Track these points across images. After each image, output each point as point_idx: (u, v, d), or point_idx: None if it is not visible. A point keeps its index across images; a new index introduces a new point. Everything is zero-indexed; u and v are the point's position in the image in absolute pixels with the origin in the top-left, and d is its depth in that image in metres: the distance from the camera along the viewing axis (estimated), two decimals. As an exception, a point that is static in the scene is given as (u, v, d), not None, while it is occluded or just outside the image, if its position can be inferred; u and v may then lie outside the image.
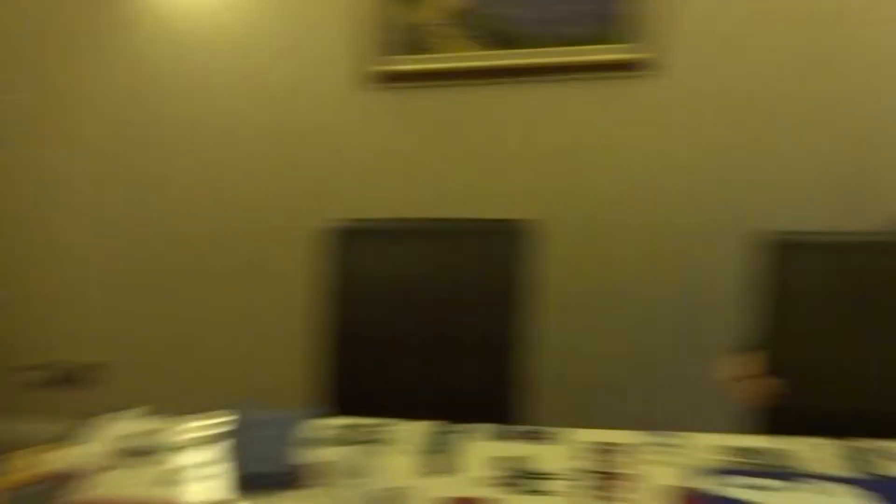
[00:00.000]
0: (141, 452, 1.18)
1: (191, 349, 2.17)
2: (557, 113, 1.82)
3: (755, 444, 1.18)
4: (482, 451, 1.18)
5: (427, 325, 1.47)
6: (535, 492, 1.06)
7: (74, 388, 2.21)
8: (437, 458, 1.17)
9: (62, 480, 1.10)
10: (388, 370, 1.49)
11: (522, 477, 1.11)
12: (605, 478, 1.10)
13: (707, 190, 1.80)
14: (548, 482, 1.09)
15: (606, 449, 1.18)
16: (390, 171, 1.95)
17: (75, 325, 2.21)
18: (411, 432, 1.25)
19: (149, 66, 1.98)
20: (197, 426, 1.26)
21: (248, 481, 1.07)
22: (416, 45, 1.82)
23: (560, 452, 1.18)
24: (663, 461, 1.15)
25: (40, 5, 1.98)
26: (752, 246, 1.35)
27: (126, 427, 1.26)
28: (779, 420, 1.29)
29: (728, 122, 1.75)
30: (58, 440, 1.20)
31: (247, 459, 1.08)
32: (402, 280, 1.48)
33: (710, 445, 1.17)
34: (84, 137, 2.07)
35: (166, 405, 1.32)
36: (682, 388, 1.96)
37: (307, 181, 2.00)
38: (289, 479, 1.08)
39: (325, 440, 1.21)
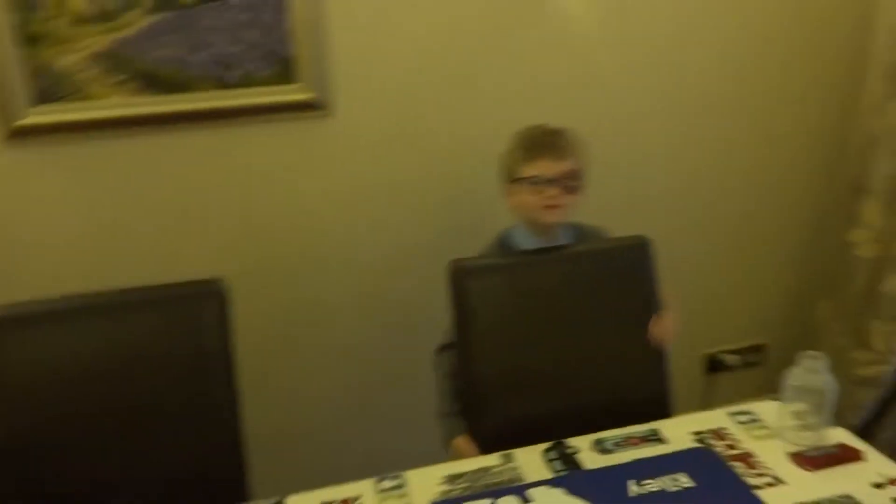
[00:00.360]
0: None
1: None
2: (228, 159, 1.71)
3: (474, 465, 1.21)
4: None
5: (116, 415, 1.27)
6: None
7: None
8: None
9: None
10: (74, 479, 1.25)
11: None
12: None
13: (395, 221, 1.85)
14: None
15: (334, 509, 1.13)
16: (45, 241, 1.66)
17: None
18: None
19: None
20: None
21: None
22: (62, 93, 1.58)
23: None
24: (391, 507, 1.12)
25: None
26: (446, 274, 1.40)
27: None
28: (494, 435, 1.35)
29: (395, 159, 1.81)
30: None
31: None
32: (74, 369, 1.25)
33: (432, 477, 1.18)
34: None
35: None
36: (403, 422, 1.97)
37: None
38: None
39: None
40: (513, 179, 1.51)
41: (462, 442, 1.46)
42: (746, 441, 1.23)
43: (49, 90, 1.59)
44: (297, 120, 1.72)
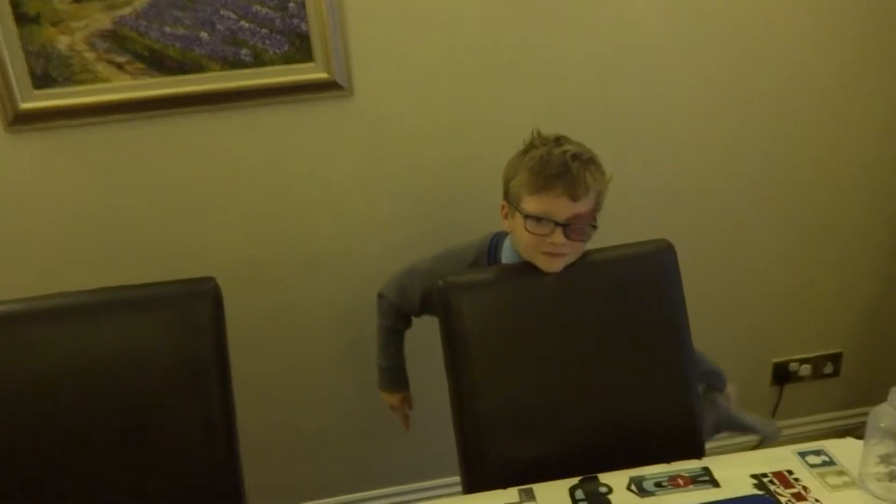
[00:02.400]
0: None
1: None
2: (240, 143, 1.58)
3: (490, 501, 1.04)
4: None
5: (102, 421, 1.15)
6: None
7: None
8: None
9: None
10: (57, 488, 1.14)
11: None
12: None
13: (416, 208, 1.69)
14: None
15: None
16: (47, 232, 1.57)
17: None
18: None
19: None
20: None
21: None
22: (65, 76, 1.48)
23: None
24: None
25: None
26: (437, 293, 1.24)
27: None
28: (496, 482, 1.12)
29: (418, 143, 1.65)
30: None
31: None
32: (60, 372, 1.14)
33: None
34: None
35: None
36: (403, 432, 1.84)
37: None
38: None
39: None
40: (512, 203, 1.23)
41: (392, 399, 1.54)
42: (818, 490, 1.01)
43: (51, 73, 1.49)
44: (314, 101, 1.58)
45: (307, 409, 1.82)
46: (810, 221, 1.91)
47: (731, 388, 1.40)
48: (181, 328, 1.17)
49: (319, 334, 1.75)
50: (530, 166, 1.18)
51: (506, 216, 1.27)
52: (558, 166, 1.16)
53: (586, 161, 1.18)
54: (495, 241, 1.35)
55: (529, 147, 1.23)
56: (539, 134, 1.26)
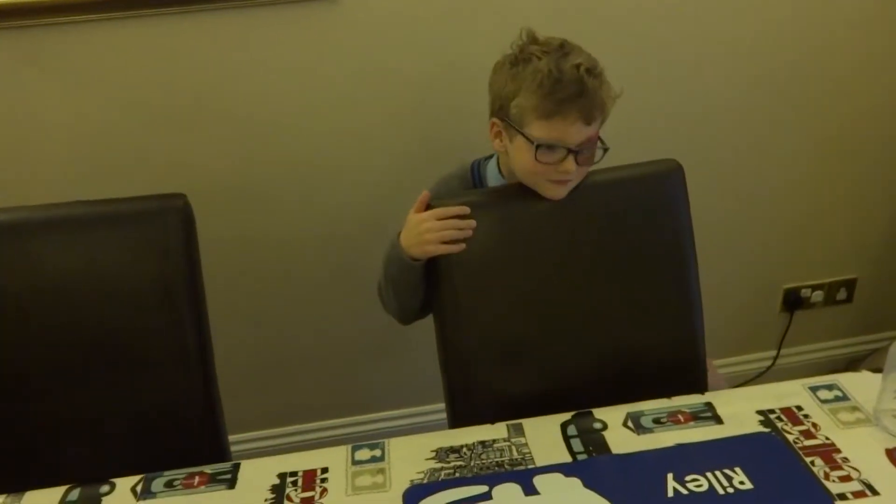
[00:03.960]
0: None
1: None
2: (213, 52, 1.45)
3: (473, 437, 0.98)
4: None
5: (70, 344, 1.07)
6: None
7: None
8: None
9: None
10: (23, 415, 1.08)
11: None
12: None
13: (408, 123, 1.57)
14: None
15: (294, 481, 0.93)
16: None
17: None
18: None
19: None
20: None
21: None
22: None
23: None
24: (366, 485, 0.91)
25: None
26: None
27: None
28: (483, 420, 1.03)
29: (404, 53, 1.52)
30: None
31: None
32: (23, 291, 1.06)
33: (419, 450, 0.96)
34: None
35: None
36: (384, 361, 1.78)
37: None
38: None
39: None
40: (511, 124, 1.07)
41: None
42: (829, 427, 0.94)
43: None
44: (295, 6, 1.44)
45: (291, 334, 1.75)
46: (828, 140, 1.79)
47: None
48: (147, 248, 1.08)
49: (302, 254, 1.66)
50: (538, 84, 1.02)
51: (497, 135, 1.13)
52: (573, 85, 1.01)
53: (599, 75, 1.05)
54: (476, 170, 1.23)
55: (527, 56, 1.06)
56: (534, 38, 1.09)
